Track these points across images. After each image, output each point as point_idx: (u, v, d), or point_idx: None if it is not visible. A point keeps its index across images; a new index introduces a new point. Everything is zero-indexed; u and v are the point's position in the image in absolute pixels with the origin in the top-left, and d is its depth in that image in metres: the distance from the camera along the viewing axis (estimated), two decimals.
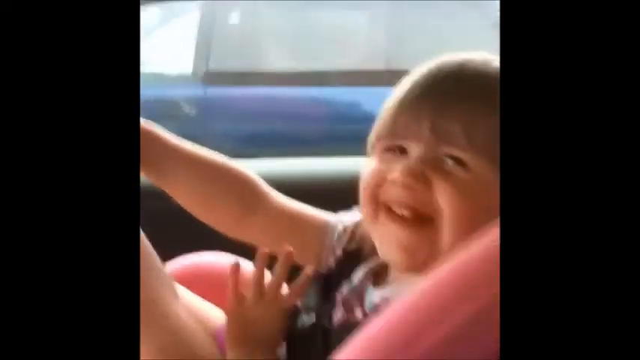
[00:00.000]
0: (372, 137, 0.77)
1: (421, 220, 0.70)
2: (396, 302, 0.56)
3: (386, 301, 0.72)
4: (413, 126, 0.72)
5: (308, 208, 0.89)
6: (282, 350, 0.79)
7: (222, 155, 0.89)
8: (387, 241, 0.73)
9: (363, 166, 0.77)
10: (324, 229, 0.87)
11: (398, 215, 0.71)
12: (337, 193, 1.32)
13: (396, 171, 0.71)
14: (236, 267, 0.81)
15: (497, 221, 0.54)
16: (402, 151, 0.73)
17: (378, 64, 2.94)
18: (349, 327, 0.70)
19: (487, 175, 0.70)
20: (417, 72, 0.76)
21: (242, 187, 0.87)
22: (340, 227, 0.86)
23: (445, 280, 0.54)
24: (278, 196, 0.89)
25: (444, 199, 0.69)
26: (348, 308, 0.77)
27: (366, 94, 2.76)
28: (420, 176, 0.70)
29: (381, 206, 0.73)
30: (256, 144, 2.74)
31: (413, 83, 0.75)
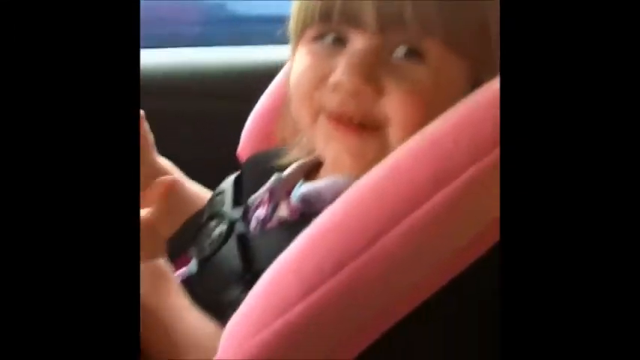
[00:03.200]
0: (295, 23, 0.62)
1: (370, 127, 0.59)
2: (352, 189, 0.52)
3: (317, 193, 0.62)
4: (352, 6, 0.56)
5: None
6: (193, 267, 0.69)
7: None
8: (332, 145, 0.61)
9: (284, 59, 0.67)
10: None
11: (343, 123, 0.59)
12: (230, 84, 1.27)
13: (339, 72, 0.57)
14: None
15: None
16: (340, 41, 0.59)
17: None
18: (269, 229, 0.63)
19: (446, 66, 0.58)
20: None
21: None
22: None
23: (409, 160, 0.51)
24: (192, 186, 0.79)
25: (394, 108, 0.57)
26: (272, 202, 0.65)
27: None
28: (369, 77, 0.57)
29: (318, 109, 0.61)
30: None
31: None
